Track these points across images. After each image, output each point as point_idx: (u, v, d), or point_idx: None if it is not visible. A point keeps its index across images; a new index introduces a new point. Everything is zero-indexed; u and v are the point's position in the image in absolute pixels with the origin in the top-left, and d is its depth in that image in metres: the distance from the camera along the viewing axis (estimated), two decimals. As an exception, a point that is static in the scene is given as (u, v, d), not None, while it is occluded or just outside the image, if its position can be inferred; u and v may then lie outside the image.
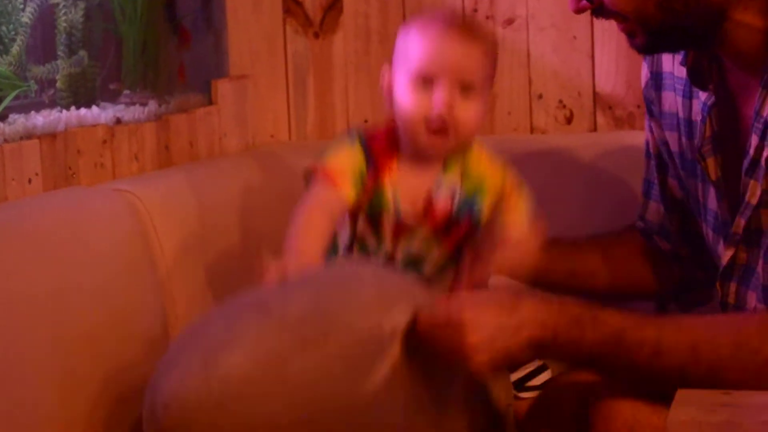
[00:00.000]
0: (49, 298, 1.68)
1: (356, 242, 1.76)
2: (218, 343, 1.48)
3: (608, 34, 2.30)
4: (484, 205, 1.76)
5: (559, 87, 2.35)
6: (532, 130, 2.38)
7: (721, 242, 1.71)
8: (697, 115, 1.74)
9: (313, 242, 1.67)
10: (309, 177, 1.75)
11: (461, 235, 1.77)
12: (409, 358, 1.57)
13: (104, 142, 2.03)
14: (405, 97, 1.73)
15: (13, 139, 1.84)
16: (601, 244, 1.96)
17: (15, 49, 1.85)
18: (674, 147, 1.82)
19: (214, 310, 1.66)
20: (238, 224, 2.11)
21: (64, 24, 1.96)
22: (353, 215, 1.75)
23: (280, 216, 2.20)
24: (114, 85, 2.09)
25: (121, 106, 2.10)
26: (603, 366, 1.58)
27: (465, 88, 1.71)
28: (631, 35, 1.65)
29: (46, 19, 1.91)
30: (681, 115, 1.79)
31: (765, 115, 1.60)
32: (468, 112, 1.71)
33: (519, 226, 1.76)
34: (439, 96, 1.70)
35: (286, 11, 2.47)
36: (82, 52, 2.00)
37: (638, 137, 2.02)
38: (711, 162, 1.71)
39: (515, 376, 1.78)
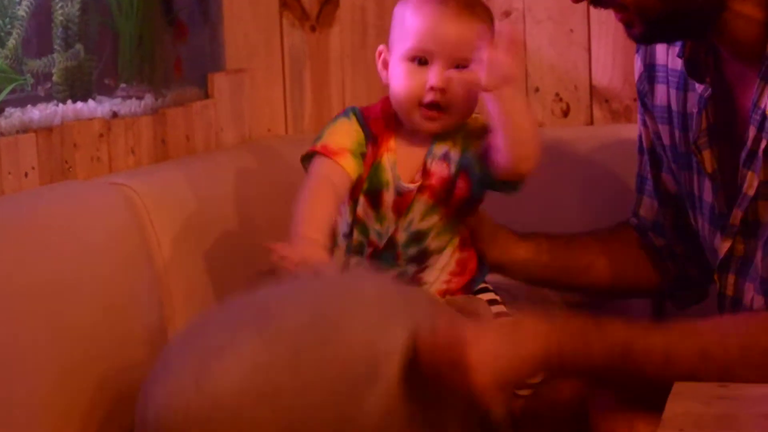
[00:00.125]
0: (45, 292, 1.68)
1: (356, 226, 1.76)
2: (212, 352, 1.47)
3: (605, 27, 2.30)
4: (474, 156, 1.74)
5: (555, 80, 2.35)
6: (528, 123, 2.37)
7: (718, 234, 1.71)
8: (692, 108, 1.74)
9: (319, 223, 1.66)
10: (308, 159, 1.74)
11: (460, 198, 1.76)
12: (406, 378, 1.52)
13: (101, 135, 2.03)
14: (400, 75, 1.73)
15: (10, 133, 1.84)
16: (596, 239, 1.95)
17: (11, 42, 1.85)
18: (666, 140, 1.82)
19: (211, 313, 1.64)
20: (234, 218, 2.11)
21: (61, 17, 1.95)
22: (352, 198, 1.75)
23: (277, 209, 2.20)
24: (110, 79, 2.09)
25: (118, 100, 2.10)
26: (612, 378, 1.55)
27: (461, 66, 1.70)
28: (628, 25, 1.65)
29: (42, 12, 1.91)
30: (675, 108, 1.78)
31: (763, 106, 1.60)
32: (463, 90, 1.70)
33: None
34: (434, 75, 1.70)
35: (283, 4, 2.47)
36: (79, 46, 2.00)
37: (635, 130, 2.01)
38: (707, 154, 1.71)
39: None
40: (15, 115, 1.86)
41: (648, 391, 1.53)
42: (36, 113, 1.90)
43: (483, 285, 1.83)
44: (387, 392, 1.50)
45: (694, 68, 1.72)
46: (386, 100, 1.78)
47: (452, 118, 1.73)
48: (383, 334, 1.52)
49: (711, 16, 1.61)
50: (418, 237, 1.76)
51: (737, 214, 1.65)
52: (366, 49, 2.43)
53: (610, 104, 2.34)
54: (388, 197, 1.74)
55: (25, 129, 1.87)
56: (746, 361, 1.50)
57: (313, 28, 2.46)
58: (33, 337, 1.64)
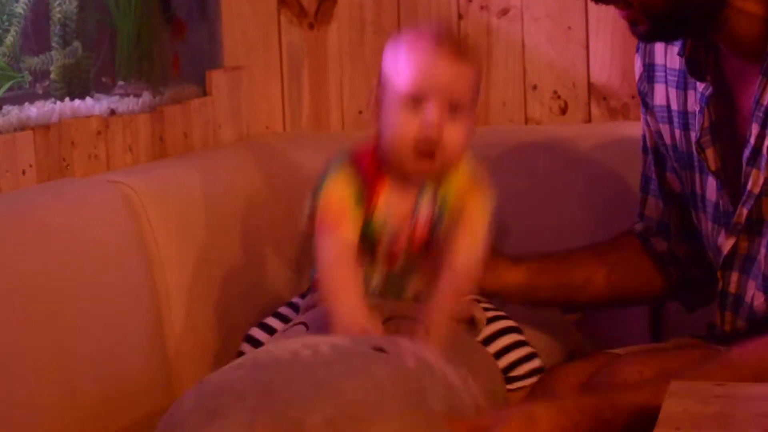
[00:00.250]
0: (43, 290, 1.68)
1: None
2: None
3: (603, 24, 2.30)
4: (444, 229, 1.73)
5: (553, 78, 2.35)
6: (526, 120, 2.38)
7: (722, 232, 1.71)
8: (693, 106, 1.74)
9: (352, 296, 1.65)
10: (311, 218, 1.72)
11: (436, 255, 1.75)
12: None
13: (98, 133, 2.03)
14: (393, 116, 1.69)
15: (7, 131, 1.83)
16: (593, 253, 1.94)
17: (9, 39, 1.84)
18: (668, 140, 1.82)
19: (224, 386, 1.50)
20: (232, 215, 2.11)
21: (59, 15, 1.95)
22: None
23: (275, 206, 2.21)
24: (108, 77, 2.09)
25: (116, 98, 2.10)
26: None
27: (454, 108, 1.68)
28: (633, 23, 1.65)
29: (40, 9, 1.91)
30: (675, 107, 1.78)
31: (765, 103, 1.60)
32: (456, 132, 1.68)
33: (468, 253, 1.71)
34: (430, 116, 1.66)
35: (281, 2, 2.47)
36: (77, 43, 2.00)
37: (632, 128, 2.02)
38: (710, 152, 1.71)
39: (502, 364, 1.78)
40: (12, 113, 1.86)
41: None
42: (33, 111, 1.90)
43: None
44: None
45: (694, 66, 1.71)
46: (375, 144, 1.74)
47: (444, 161, 1.70)
48: None
49: (713, 13, 1.61)
50: (399, 285, 1.77)
51: (742, 212, 1.65)
52: (364, 47, 2.43)
53: (608, 102, 2.34)
54: (382, 247, 1.74)
55: (22, 127, 1.87)
56: None
57: (311, 26, 2.46)
58: (30, 334, 1.64)
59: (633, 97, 2.29)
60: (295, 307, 1.88)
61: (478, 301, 1.84)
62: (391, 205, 1.73)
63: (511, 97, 2.37)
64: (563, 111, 2.36)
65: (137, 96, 2.16)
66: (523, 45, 2.36)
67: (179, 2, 2.29)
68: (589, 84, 2.34)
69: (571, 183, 2.22)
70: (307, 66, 2.47)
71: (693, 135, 1.73)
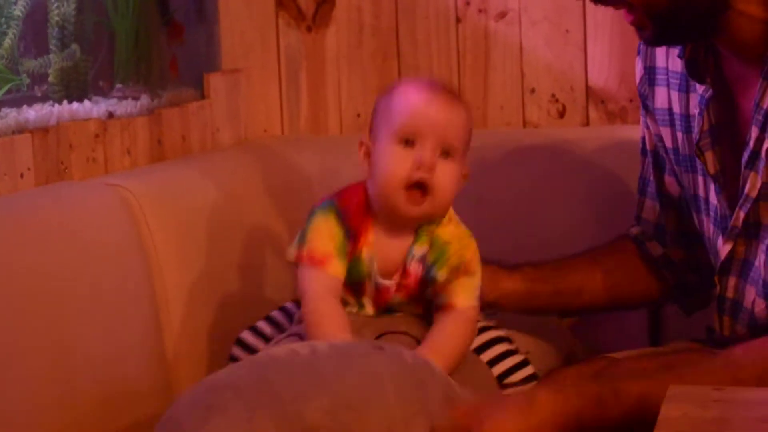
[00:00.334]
0: (42, 293, 1.68)
1: None
2: None
3: (601, 27, 2.30)
4: (441, 275, 1.73)
5: (551, 81, 2.35)
6: (524, 124, 2.38)
7: (721, 237, 1.71)
8: (694, 109, 1.74)
9: (336, 328, 1.66)
10: (297, 263, 1.73)
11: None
12: None
13: (96, 136, 2.03)
14: (387, 156, 1.70)
15: (5, 134, 1.83)
16: (588, 259, 1.94)
17: (7, 42, 1.84)
18: (669, 143, 1.82)
19: (222, 382, 1.52)
20: (230, 218, 2.11)
21: (57, 17, 1.95)
22: None
23: (273, 209, 2.20)
24: (106, 80, 2.09)
25: (114, 100, 2.10)
26: (635, 428, 1.52)
27: (446, 152, 1.69)
28: (640, 28, 1.65)
29: (38, 12, 1.91)
30: (676, 110, 1.78)
31: (765, 106, 1.60)
32: (447, 176, 1.69)
33: (462, 306, 1.73)
34: (423, 155, 1.68)
35: (279, 4, 2.47)
36: (75, 46, 2.00)
37: (631, 131, 2.02)
38: (709, 155, 1.71)
39: (496, 372, 1.78)
40: (11, 116, 1.85)
41: None
42: (32, 114, 1.90)
43: None
44: None
45: (693, 68, 1.71)
46: (362, 189, 1.74)
47: (434, 205, 1.70)
48: (405, 429, 1.48)
49: (715, 14, 1.61)
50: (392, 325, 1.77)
51: (740, 216, 1.65)
52: (362, 49, 2.43)
53: (606, 105, 2.34)
54: (369, 289, 1.74)
55: (20, 129, 1.87)
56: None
57: (309, 28, 2.46)
58: (29, 337, 1.64)
59: (631, 101, 2.29)
60: (287, 312, 1.87)
61: None
62: (378, 251, 1.73)
63: (509, 101, 2.38)
64: (561, 114, 2.36)
65: (135, 99, 2.16)
66: (521, 48, 2.36)
67: (177, 5, 2.29)
68: (587, 87, 2.34)
69: (569, 186, 2.22)
70: (305, 69, 2.47)
71: (695, 138, 1.73)
